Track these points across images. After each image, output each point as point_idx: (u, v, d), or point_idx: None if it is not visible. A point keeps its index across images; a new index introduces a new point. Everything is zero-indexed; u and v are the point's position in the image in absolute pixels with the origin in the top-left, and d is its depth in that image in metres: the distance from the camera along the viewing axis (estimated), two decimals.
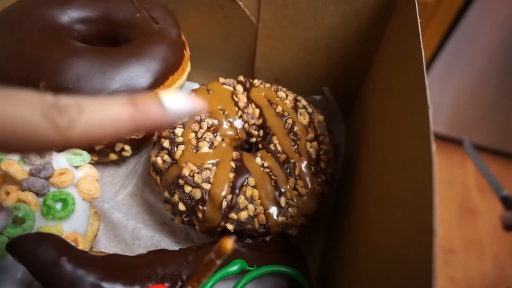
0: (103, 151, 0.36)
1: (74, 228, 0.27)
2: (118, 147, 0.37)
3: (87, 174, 0.31)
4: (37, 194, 0.26)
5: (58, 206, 0.27)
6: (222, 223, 0.28)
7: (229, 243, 0.18)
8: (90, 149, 0.35)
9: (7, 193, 0.26)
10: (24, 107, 0.14)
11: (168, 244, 0.33)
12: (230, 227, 0.28)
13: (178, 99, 0.17)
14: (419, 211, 0.18)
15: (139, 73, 0.31)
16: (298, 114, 0.35)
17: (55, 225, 0.26)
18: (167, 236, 0.34)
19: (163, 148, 0.32)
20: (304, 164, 0.31)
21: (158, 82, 0.32)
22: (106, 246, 0.33)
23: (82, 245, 0.26)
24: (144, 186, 0.37)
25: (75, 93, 0.29)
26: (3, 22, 0.33)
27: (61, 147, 0.15)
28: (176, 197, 0.30)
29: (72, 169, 0.30)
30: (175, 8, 0.39)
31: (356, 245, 0.26)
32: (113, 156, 0.37)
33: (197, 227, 0.30)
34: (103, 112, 0.15)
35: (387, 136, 0.27)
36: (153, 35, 0.34)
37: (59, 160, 0.30)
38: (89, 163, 0.32)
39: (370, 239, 0.24)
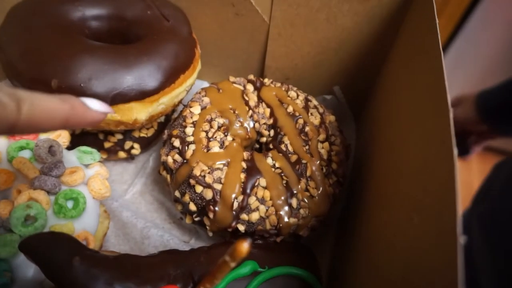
0: (112, 149, 0.36)
1: (85, 226, 0.27)
2: (127, 145, 0.36)
3: (97, 172, 0.30)
4: (49, 192, 0.26)
5: (69, 204, 0.27)
6: (233, 224, 0.28)
7: (244, 246, 0.18)
8: (99, 147, 0.35)
9: (19, 191, 0.26)
10: None
11: (177, 243, 0.32)
12: (241, 228, 0.28)
13: (96, 102, 0.20)
14: (439, 215, 0.18)
15: (151, 71, 0.30)
16: (309, 114, 0.34)
17: (67, 224, 0.26)
18: (177, 235, 0.34)
19: (173, 147, 0.31)
20: (315, 165, 0.31)
21: (169, 80, 0.32)
22: (115, 244, 0.32)
23: (93, 244, 0.26)
24: (153, 184, 0.37)
25: (86, 91, 0.28)
26: (14, 19, 0.32)
27: (5, 132, 0.16)
28: (187, 197, 0.29)
29: (83, 167, 0.30)
30: (186, 5, 0.38)
31: (370, 246, 0.26)
32: (122, 154, 0.37)
33: (207, 227, 0.30)
34: (41, 103, 0.17)
35: (402, 137, 0.27)
36: (164, 33, 0.34)
37: (70, 158, 0.30)
38: (98, 161, 0.32)
39: (384, 241, 0.24)
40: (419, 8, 0.30)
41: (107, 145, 0.36)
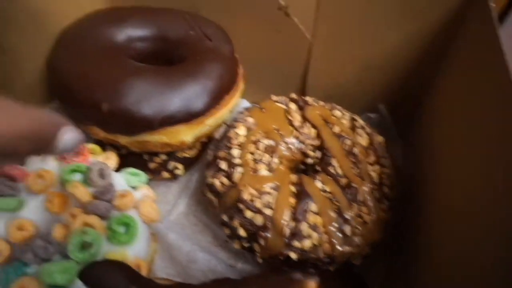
0: (156, 169, 0.36)
1: (137, 252, 0.27)
2: (171, 165, 0.36)
3: (146, 195, 0.30)
4: (101, 217, 0.26)
5: (122, 230, 0.26)
6: (285, 252, 0.27)
7: None
8: (144, 168, 0.35)
9: (73, 216, 0.26)
10: None
11: (224, 268, 0.32)
12: (293, 255, 0.27)
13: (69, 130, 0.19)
14: None
15: (197, 93, 0.30)
16: (357, 134, 0.33)
17: (120, 250, 0.25)
18: (223, 259, 0.33)
19: (220, 169, 0.31)
20: (367, 189, 0.30)
21: (215, 101, 0.31)
22: (162, 268, 0.32)
23: (145, 271, 0.26)
24: (197, 205, 0.37)
25: (135, 114, 0.28)
26: (64, 43, 0.33)
27: None
28: (236, 222, 0.29)
29: (131, 190, 0.30)
30: (227, 23, 0.38)
31: (434, 273, 0.25)
32: (165, 175, 0.36)
33: (257, 254, 0.29)
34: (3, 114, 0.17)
35: (464, 157, 0.25)
36: (207, 53, 0.34)
37: (118, 181, 0.30)
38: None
39: (451, 268, 0.23)
40: (475, 21, 0.29)
41: (151, 165, 0.36)
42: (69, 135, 0.19)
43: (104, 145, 0.36)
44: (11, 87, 0.33)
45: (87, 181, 0.28)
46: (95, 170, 0.27)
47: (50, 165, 0.29)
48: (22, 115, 0.17)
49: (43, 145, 0.18)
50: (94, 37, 0.33)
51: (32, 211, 0.27)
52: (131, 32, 0.35)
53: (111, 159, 0.31)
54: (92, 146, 0.33)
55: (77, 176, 0.28)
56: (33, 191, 0.27)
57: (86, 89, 0.29)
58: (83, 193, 0.26)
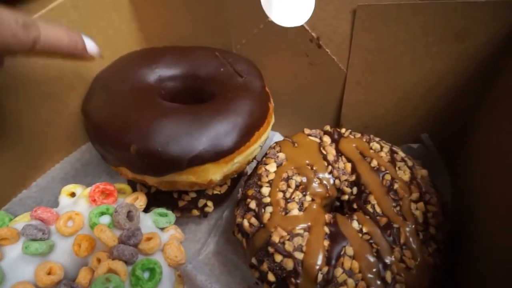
0: (186, 207, 0.35)
1: None
2: (201, 203, 0.36)
3: (173, 236, 0.30)
4: (126, 262, 0.25)
5: (146, 275, 0.26)
6: None
7: None
8: (173, 206, 0.35)
9: (99, 260, 0.26)
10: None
11: None
12: None
13: (93, 46, 0.26)
14: None
15: (226, 131, 0.29)
16: (397, 168, 0.31)
17: None
18: None
19: (249, 209, 0.30)
20: (410, 230, 0.27)
21: (244, 138, 0.30)
22: None
23: None
24: (227, 244, 0.36)
25: (163, 155, 0.28)
26: (97, 86, 0.34)
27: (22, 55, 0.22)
28: (265, 266, 0.27)
29: (158, 231, 0.30)
30: (258, 58, 0.38)
31: None
32: (195, 212, 0.36)
33: None
34: (52, 34, 0.22)
35: None
36: (237, 89, 0.33)
37: (146, 223, 0.29)
38: None
39: None
40: None
41: (181, 203, 0.35)
42: None
43: (135, 183, 0.36)
44: (50, 129, 0.35)
45: (114, 224, 0.27)
46: (121, 213, 0.27)
47: (80, 207, 0.29)
48: None
49: None
50: (125, 79, 0.34)
51: (61, 254, 0.27)
52: (162, 72, 0.36)
53: (140, 200, 0.31)
54: (121, 185, 0.33)
55: (105, 219, 0.28)
56: (63, 234, 0.27)
57: (115, 131, 0.29)
58: (109, 237, 0.26)
